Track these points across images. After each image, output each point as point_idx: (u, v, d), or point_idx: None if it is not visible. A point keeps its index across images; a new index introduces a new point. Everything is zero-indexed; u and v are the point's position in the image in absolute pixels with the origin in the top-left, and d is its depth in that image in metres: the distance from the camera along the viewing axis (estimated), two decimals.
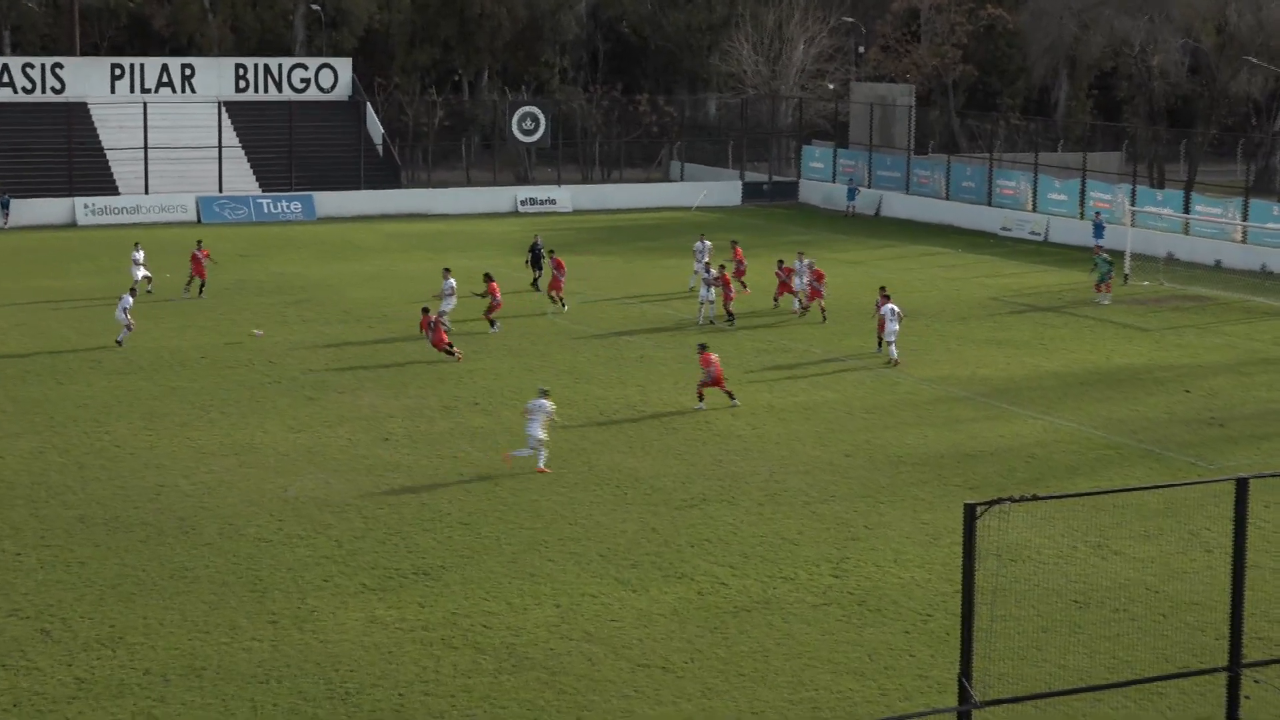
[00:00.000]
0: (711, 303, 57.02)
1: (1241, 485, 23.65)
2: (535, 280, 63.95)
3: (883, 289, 53.14)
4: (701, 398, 44.93)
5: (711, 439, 41.91)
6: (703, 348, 45.39)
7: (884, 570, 32.03)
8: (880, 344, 51.67)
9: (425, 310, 53.26)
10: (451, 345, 50.66)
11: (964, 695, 22.69)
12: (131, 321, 52.35)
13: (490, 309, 55.25)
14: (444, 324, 51.31)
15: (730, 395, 45.17)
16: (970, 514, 22.29)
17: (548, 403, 38.96)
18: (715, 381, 44.65)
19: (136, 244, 66.28)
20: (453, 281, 55.05)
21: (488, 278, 55.93)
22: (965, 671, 22.51)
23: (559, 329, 56.09)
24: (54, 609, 29.46)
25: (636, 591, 30.70)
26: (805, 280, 59.40)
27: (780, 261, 61.11)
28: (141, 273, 63.69)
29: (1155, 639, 28.47)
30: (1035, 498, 23.62)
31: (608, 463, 39.56)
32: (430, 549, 33.03)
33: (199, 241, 64.85)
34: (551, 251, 61.63)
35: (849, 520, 35.22)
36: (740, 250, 65.03)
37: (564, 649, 27.89)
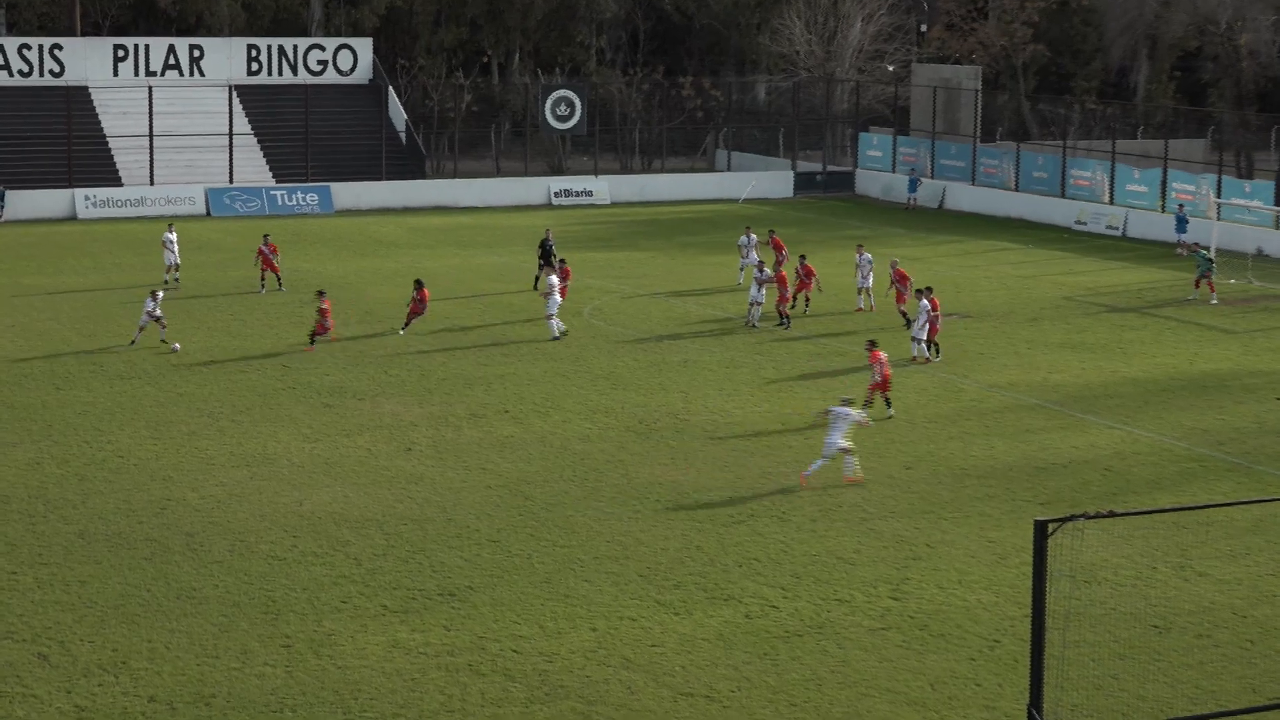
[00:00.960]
0: (761, 303, 56.93)
1: None
2: (543, 279, 63.35)
3: (927, 289, 52.88)
4: (869, 403, 44.81)
5: (761, 450, 41.93)
6: (872, 344, 45.22)
7: (947, 592, 32.00)
8: (936, 349, 51.85)
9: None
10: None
11: None
12: (160, 314, 52.49)
13: (412, 315, 55.77)
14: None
15: (888, 403, 45.16)
16: (1041, 531, 22.30)
17: (853, 410, 39.15)
18: (882, 384, 44.69)
19: (170, 225, 67.64)
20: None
21: (419, 284, 55.64)
22: (1035, 702, 22.51)
23: (596, 331, 56.17)
24: (52, 632, 29.61)
25: (679, 614, 30.73)
26: (865, 276, 60.48)
27: (802, 257, 61.01)
28: (174, 259, 64.45)
29: (1242, 667, 28.39)
30: (1112, 514, 23.63)
31: (648, 475, 39.62)
32: (456, 568, 33.11)
33: (265, 236, 65.75)
34: (562, 260, 60.31)
35: (909, 538, 35.19)
36: (780, 240, 65.05)
37: (601, 676, 27.93)
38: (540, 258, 63.47)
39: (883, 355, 44.89)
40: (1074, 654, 27.26)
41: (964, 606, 31.23)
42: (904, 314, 56.10)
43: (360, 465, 40.19)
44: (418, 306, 55.47)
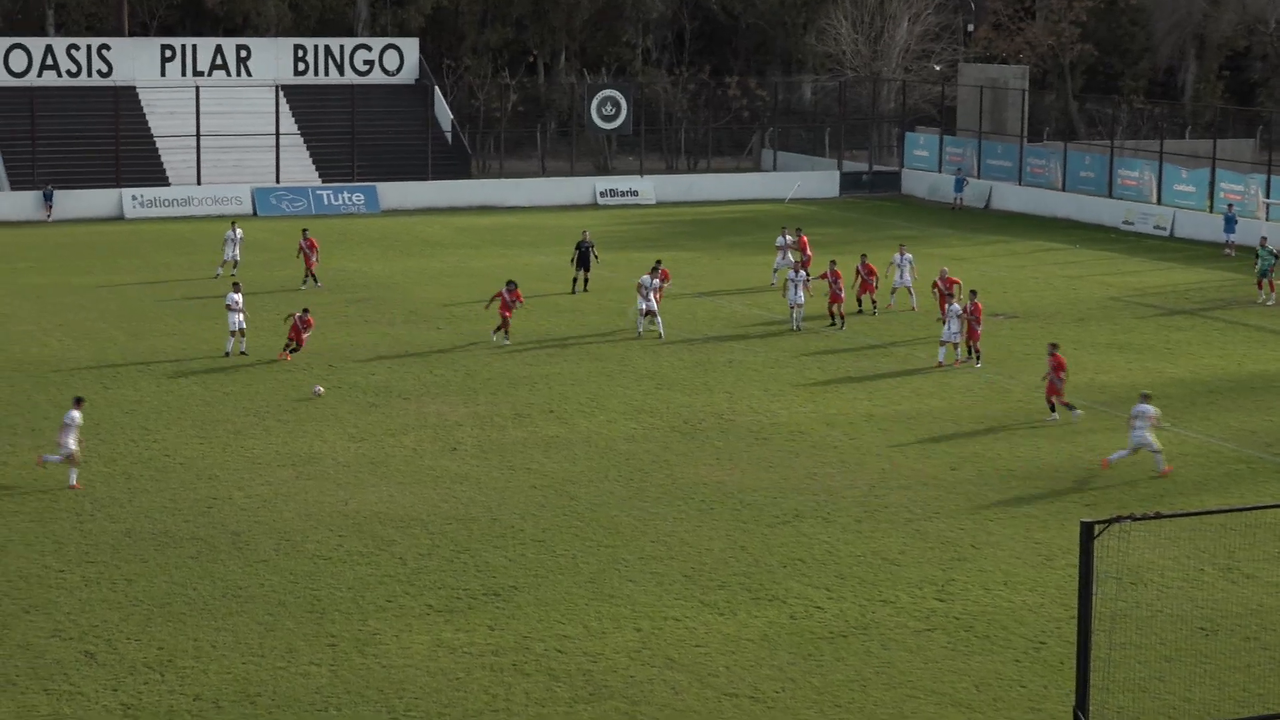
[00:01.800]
0: (802, 305, 56.69)
1: None
2: (583, 280, 63.11)
3: (972, 292, 52.50)
4: (1054, 407, 44.73)
5: (806, 450, 41.89)
6: (1054, 348, 44.98)
7: (993, 593, 31.93)
8: (972, 352, 51.44)
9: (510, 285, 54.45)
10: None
11: None
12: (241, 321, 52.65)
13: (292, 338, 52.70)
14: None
15: (1069, 407, 44.70)
16: (1087, 533, 22.24)
17: (1150, 407, 39.40)
18: (1053, 390, 44.45)
19: (234, 223, 68.83)
20: None
21: (512, 285, 54.84)
22: (1081, 704, 22.46)
23: (639, 331, 56.07)
24: (99, 630, 29.76)
25: (724, 615, 30.73)
26: (906, 276, 60.48)
27: (863, 256, 60.86)
28: (234, 253, 65.69)
29: None
30: (1159, 515, 23.57)
31: (692, 476, 39.62)
32: (501, 568, 33.16)
33: (304, 230, 66.32)
34: (659, 262, 59.13)
35: (955, 539, 35.12)
36: (805, 240, 65.13)
37: (645, 676, 27.94)
38: (577, 260, 63.24)
39: (1063, 360, 44.60)
40: (1120, 656, 27.17)
41: (1009, 608, 31.15)
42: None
43: (405, 465, 40.28)
44: (509, 308, 53.89)
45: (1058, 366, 44.42)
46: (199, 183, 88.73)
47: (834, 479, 39.40)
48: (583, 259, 63.06)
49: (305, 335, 51.56)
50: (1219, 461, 41.24)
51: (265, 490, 38.09)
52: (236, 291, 52.35)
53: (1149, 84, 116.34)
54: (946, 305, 52.86)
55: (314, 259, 64.40)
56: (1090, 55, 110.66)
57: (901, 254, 60.97)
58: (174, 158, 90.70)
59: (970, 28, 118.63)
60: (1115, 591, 28.70)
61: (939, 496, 38.10)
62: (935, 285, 55.49)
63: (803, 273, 57.48)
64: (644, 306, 55.55)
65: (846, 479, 39.39)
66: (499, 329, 54.13)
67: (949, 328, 51.14)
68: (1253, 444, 42.71)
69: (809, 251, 64.34)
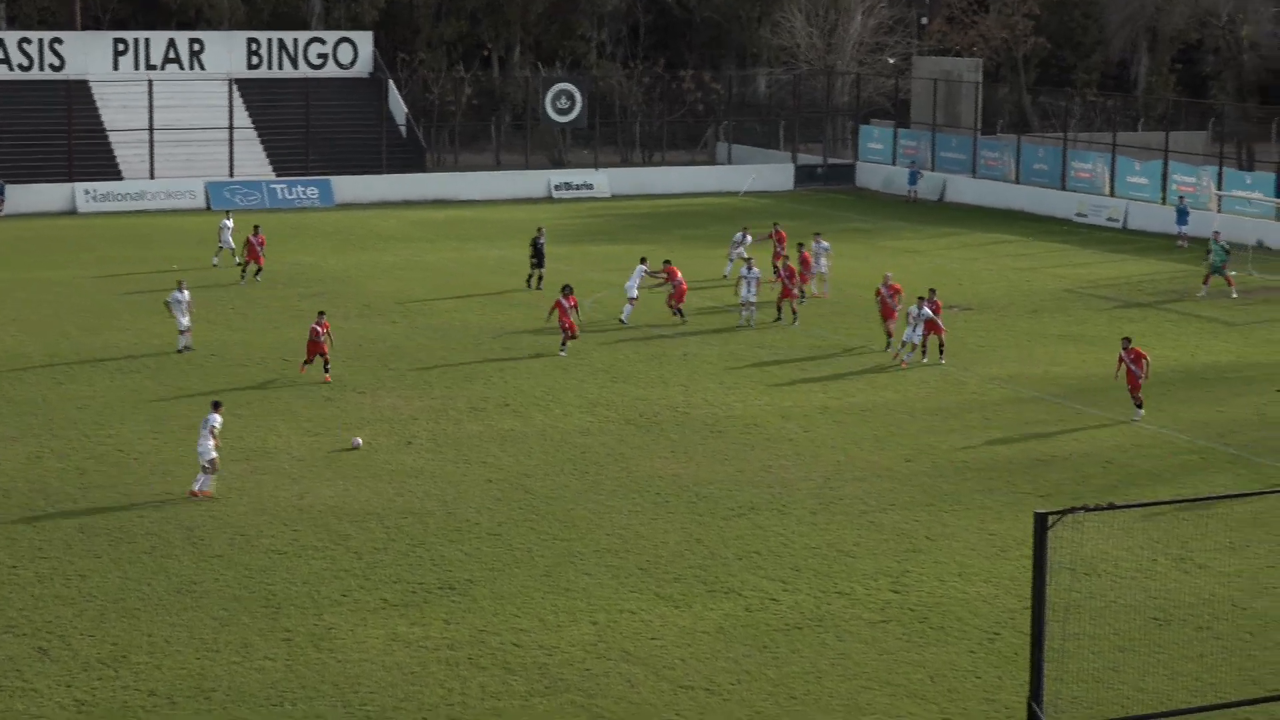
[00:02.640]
0: (753, 303, 56.45)
1: None
2: (536, 278, 62.43)
3: (930, 290, 52.29)
4: (1140, 404, 44.43)
5: (761, 443, 41.95)
6: (1128, 342, 44.68)
7: (947, 585, 32.03)
8: (940, 350, 50.93)
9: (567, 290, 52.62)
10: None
11: None
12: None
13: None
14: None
15: (1139, 404, 44.52)
16: (1041, 524, 22.31)
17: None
18: (1135, 384, 44.18)
19: (228, 214, 70.28)
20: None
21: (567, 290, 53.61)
22: (1035, 695, 22.53)
23: (594, 324, 56.11)
24: (52, 626, 29.64)
25: (679, 608, 30.76)
26: (822, 263, 61.31)
27: (801, 245, 61.03)
28: (229, 241, 66.73)
29: (1242, 659, 28.42)
30: (1112, 506, 23.67)
31: (648, 469, 39.64)
32: (457, 562, 33.14)
33: (256, 227, 66.23)
34: (667, 261, 59.04)
35: (909, 531, 35.22)
36: (784, 234, 65.09)
37: (601, 669, 27.96)
38: (532, 257, 62.87)
39: (1142, 353, 44.32)
40: (1074, 646, 27.29)
41: (964, 599, 31.26)
42: (889, 334, 52.70)
43: (360, 459, 40.20)
44: (569, 316, 51.74)
45: (1137, 358, 43.99)
46: (152, 177, 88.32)
47: (789, 471, 39.46)
48: (538, 255, 62.64)
49: (326, 344, 48.00)
50: (1172, 452, 41.44)
51: (219, 485, 37.93)
52: (182, 290, 51.89)
53: (1102, 77, 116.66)
54: (894, 312, 52.09)
55: (262, 255, 64.24)
56: (1043, 48, 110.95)
57: (817, 241, 61.36)
58: (127, 152, 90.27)
59: (924, 21, 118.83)
60: (1069, 582, 28.81)
61: (894, 489, 38.19)
62: (879, 292, 53.34)
63: (756, 270, 56.93)
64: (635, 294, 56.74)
65: (801, 471, 39.46)
66: (566, 340, 51.89)
67: (913, 329, 50.44)
68: (1205, 435, 42.91)
69: (785, 245, 64.09)
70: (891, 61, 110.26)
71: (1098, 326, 56.91)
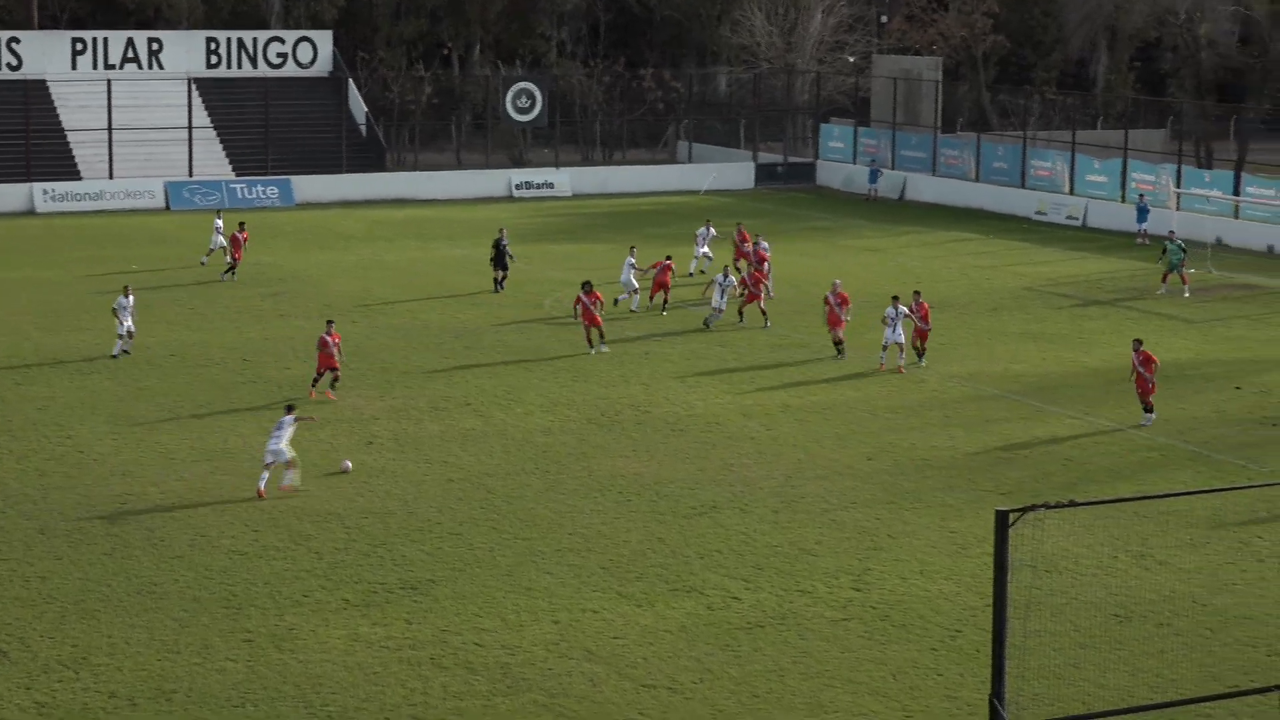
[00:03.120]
0: (722, 310, 55.65)
1: None
2: (499, 280, 62.21)
3: (915, 292, 51.94)
4: (1150, 408, 43.75)
5: (722, 441, 41.97)
6: (1139, 344, 43.98)
7: (909, 583, 32.08)
8: (919, 353, 50.28)
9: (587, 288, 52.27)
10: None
11: (996, 717, 22.76)
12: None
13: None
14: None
15: (1147, 410, 43.79)
16: (1002, 521, 22.35)
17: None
18: (1145, 388, 43.50)
19: (219, 213, 70.26)
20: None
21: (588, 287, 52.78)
22: (997, 692, 22.58)
23: (557, 323, 56.10)
24: (12, 628, 29.50)
25: (641, 606, 30.76)
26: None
27: (758, 239, 61.32)
28: (220, 241, 66.40)
29: (1202, 656, 28.53)
30: (1073, 504, 23.71)
31: (609, 467, 39.63)
32: (418, 561, 33.09)
33: (241, 224, 66.39)
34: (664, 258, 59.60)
35: (871, 529, 35.27)
36: (746, 234, 65.06)
37: (563, 669, 27.94)
38: (493, 259, 62.38)
39: (1151, 356, 43.69)
40: (1035, 643, 27.35)
41: (926, 597, 31.31)
42: (837, 342, 51.39)
43: (321, 459, 40.10)
44: (590, 313, 51.51)
45: (1147, 361, 43.39)
46: (111, 176, 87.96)
47: (751, 470, 39.49)
48: (500, 258, 62.15)
49: (336, 356, 45.89)
50: (1132, 449, 41.57)
51: (180, 486, 37.86)
52: (127, 295, 51.61)
53: (1061, 75, 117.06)
54: (840, 320, 51.02)
55: (241, 252, 64.41)
56: (1003, 46, 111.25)
57: (758, 241, 61.79)
58: (85, 151, 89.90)
59: (883, 19, 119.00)
60: (1030, 579, 28.88)
61: (855, 487, 38.25)
62: (827, 300, 52.02)
63: (731, 278, 56.38)
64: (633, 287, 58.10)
65: (763, 470, 39.49)
66: (600, 339, 51.84)
67: (891, 330, 49.20)
68: (1165, 432, 43.05)
69: (748, 246, 64.09)
70: (851, 60, 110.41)
71: (1058, 324, 57.07)
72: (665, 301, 57.94)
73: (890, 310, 49.54)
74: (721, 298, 55.71)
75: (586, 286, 52.21)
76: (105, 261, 68.33)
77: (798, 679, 27.57)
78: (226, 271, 64.25)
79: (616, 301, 57.87)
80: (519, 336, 54.20)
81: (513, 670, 27.83)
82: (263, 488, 37.01)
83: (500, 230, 64.55)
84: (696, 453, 40.95)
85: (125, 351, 50.80)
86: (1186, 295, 62.30)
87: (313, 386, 45.95)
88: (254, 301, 59.86)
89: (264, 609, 30.45)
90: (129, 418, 43.87)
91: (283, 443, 37.21)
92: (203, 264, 66.75)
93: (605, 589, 31.59)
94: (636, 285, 58.43)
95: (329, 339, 45.88)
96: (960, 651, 28.70)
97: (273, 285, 63.17)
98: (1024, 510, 22.33)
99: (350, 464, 39.38)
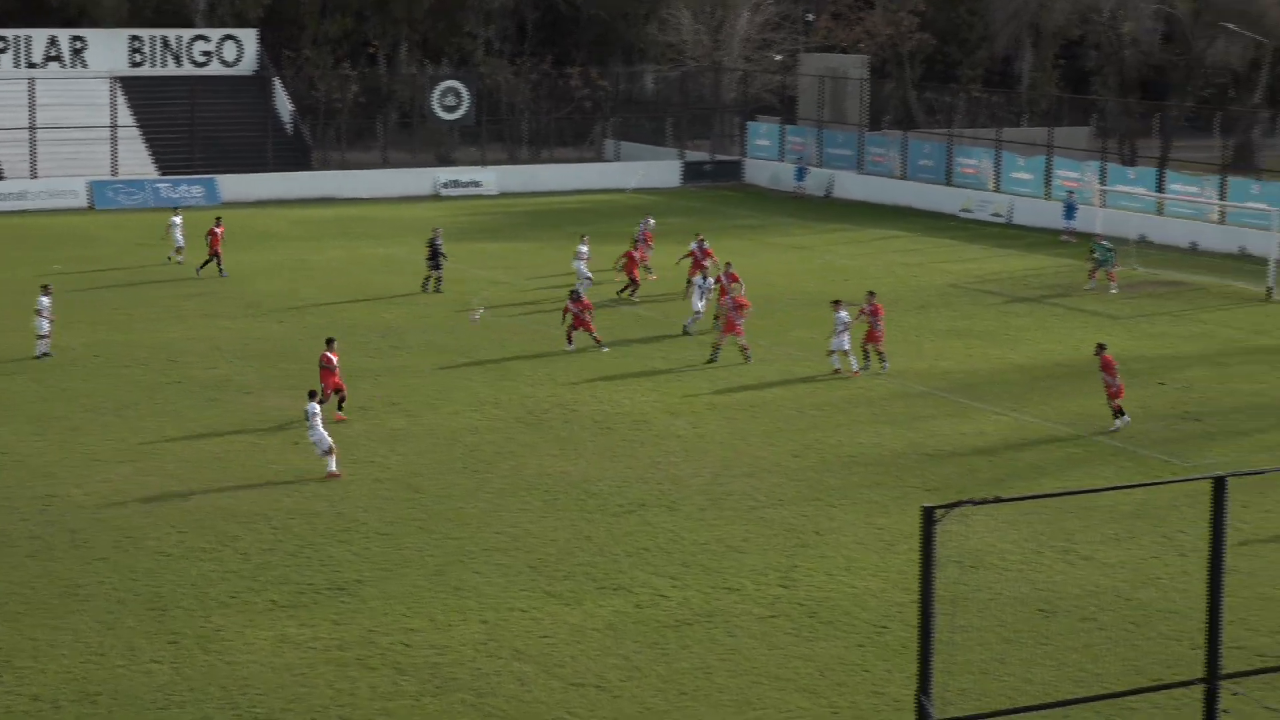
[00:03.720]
0: (699, 314, 54.49)
1: (1219, 485, 23.81)
2: (432, 280, 61.61)
3: (869, 293, 51.50)
4: (1120, 412, 43.05)
5: (650, 440, 42.01)
6: (1101, 348, 43.54)
7: (836, 579, 32.18)
8: (876, 356, 49.63)
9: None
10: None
11: (922, 713, 22.82)
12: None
13: None
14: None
15: (1118, 413, 43.06)
16: (929, 518, 22.39)
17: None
18: (1117, 392, 42.82)
19: (176, 210, 70.57)
20: None
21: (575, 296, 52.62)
22: (924, 687, 22.63)
23: (484, 323, 55.96)
24: None
25: (569, 605, 30.76)
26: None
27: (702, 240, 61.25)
28: (180, 241, 66.82)
29: (1127, 649, 28.74)
30: (998, 500, 23.76)
31: (537, 466, 39.61)
32: (346, 562, 32.99)
33: (218, 218, 66.96)
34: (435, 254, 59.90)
35: (798, 526, 35.36)
36: (710, 250, 65.04)
37: (491, 668, 27.92)
38: (429, 258, 62.14)
39: (1110, 361, 43.02)
40: (962, 639, 27.48)
41: (852, 593, 31.42)
42: (741, 348, 50.75)
43: (247, 459, 39.95)
44: (581, 319, 51.52)
45: (1105, 366, 42.91)
46: (34, 176, 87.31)
47: (678, 468, 39.54)
48: (434, 257, 61.72)
49: (337, 374, 43.71)
50: (1056, 445, 41.82)
51: (104, 487, 37.64)
52: (46, 295, 51.21)
53: (986, 73, 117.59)
54: (736, 326, 50.18)
55: (219, 247, 64.97)
56: (928, 44, 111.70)
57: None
58: (8, 151, 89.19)
59: (810, 17, 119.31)
60: (956, 575, 29.03)
61: (782, 484, 38.34)
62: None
63: (710, 280, 55.97)
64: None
65: (690, 468, 39.54)
66: (597, 341, 51.65)
67: (838, 335, 48.59)
68: (1089, 428, 43.32)
69: (710, 261, 64.20)
70: (778, 58, 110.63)
71: (984, 321, 57.35)
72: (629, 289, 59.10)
73: (840, 315, 48.56)
74: (700, 300, 55.09)
75: (575, 295, 52.17)
76: (28, 262, 67.76)
77: (725, 676, 27.63)
78: (202, 265, 64.53)
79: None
80: (446, 336, 54.10)
81: (441, 670, 27.79)
82: (334, 469, 38.40)
83: (434, 230, 64.07)
84: (624, 451, 40.98)
85: (46, 354, 50.40)
86: (1113, 291, 62.80)
87: (338, 409, 43.58)
88: (178, 302, 59.55)
89: (190, 610, 30.30)
90: (52, 418, 43.58)
91: (319, 431, 38.20)
92: (178, 262, 66.52)
93: (533, 588, 31.58)
94: (590, 275, 59.03)
95: (331, 357, 43.82)
96: (887, 647, 28.82)
97: (197, 284, 62.75)
98: (950, 506, 22.38)
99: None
